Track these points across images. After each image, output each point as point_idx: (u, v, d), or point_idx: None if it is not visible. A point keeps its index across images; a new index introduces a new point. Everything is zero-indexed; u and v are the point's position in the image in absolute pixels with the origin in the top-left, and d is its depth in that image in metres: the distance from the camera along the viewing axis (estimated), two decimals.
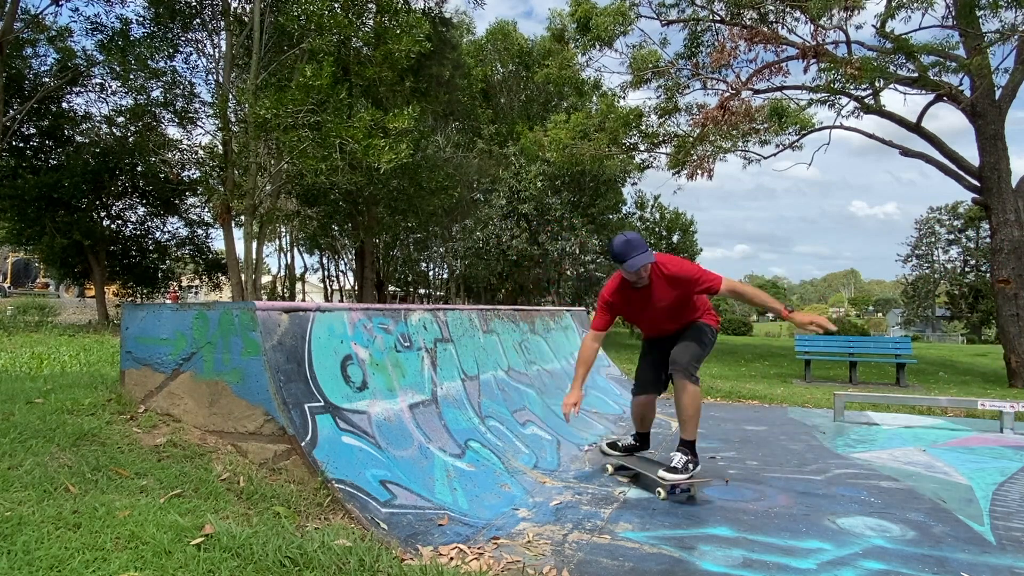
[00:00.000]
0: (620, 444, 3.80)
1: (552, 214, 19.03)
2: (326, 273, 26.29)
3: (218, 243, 27.59)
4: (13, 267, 33.41)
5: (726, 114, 12.50)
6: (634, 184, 27.32)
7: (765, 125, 14.31)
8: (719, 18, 13.40)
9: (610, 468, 3.74)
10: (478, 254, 20.01)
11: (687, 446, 3.28)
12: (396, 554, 2.22)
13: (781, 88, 13.45)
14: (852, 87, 12.72)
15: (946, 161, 11.75)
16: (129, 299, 18.11)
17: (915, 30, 13.17)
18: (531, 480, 3.52)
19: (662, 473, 3.19)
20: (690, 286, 3.27)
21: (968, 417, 6.10)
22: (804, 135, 14.67)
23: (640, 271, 3.18)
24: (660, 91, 14.84)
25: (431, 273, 27.08)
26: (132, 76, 12.18)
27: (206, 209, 17.01)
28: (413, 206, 16.27)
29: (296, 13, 11.33)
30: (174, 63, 13.21)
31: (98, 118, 14.86)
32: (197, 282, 22.02)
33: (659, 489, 3.21)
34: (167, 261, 18.15)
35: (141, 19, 12.67)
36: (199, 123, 13.88)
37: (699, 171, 13.95)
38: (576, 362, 3.47)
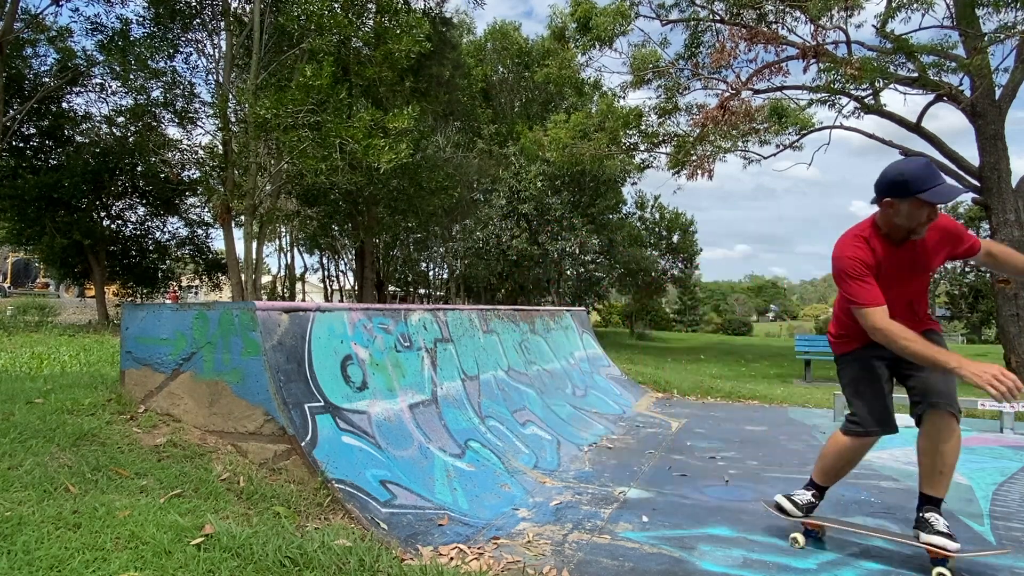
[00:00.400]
0: (800, 502, 2.74)
1: (552, 214, 19.06)
2: (326, 273, 26.28)
3: (218, 243, 27.55)
4: (13, 267, 33.37)
5: (726, 114, 12.52)
6: (634, 184, 27.40)
7: (765, 125, 14.33)
8: (719, 18, 13.40)
9: (800, 540, 2.65)
10: (478, 254, 20.03)
11: (938, 505, 2.45)
12: (396, 554, 2.22)
13: (781, 88, 13.46)
14: (852, 87, 12.73)
15: (946, 161, 11.75)
16: (129, 299, 18.10)
17: (915, 30, 13.16)
18: (531, 480, 3.52)
19: (942, 542, 2.33)
20: (958, 244, 2.48)
21: (968, 417, 6.10)
22: (804, 135, 14.68)
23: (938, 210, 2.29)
24: (660, 91, 14.87)
25: (431, 273, 27.08)
26: (132, 76, 12.17)
27: (206, 209, 16.99)
28: (413, 206, 16.26)
29: (296, 13, 11.32)
30: (174, 63, 13.21)
31: (98, 118, 14.86)
32: (197, 282, 22.00)
33: (941, 571, 2.32)
34: (167, 261, 18.12)
35: (141, 19, 12.67)
36: (199, 123, 13.87)
37: (699, 171, 13.97)
38: (906, 340, 2.29)
